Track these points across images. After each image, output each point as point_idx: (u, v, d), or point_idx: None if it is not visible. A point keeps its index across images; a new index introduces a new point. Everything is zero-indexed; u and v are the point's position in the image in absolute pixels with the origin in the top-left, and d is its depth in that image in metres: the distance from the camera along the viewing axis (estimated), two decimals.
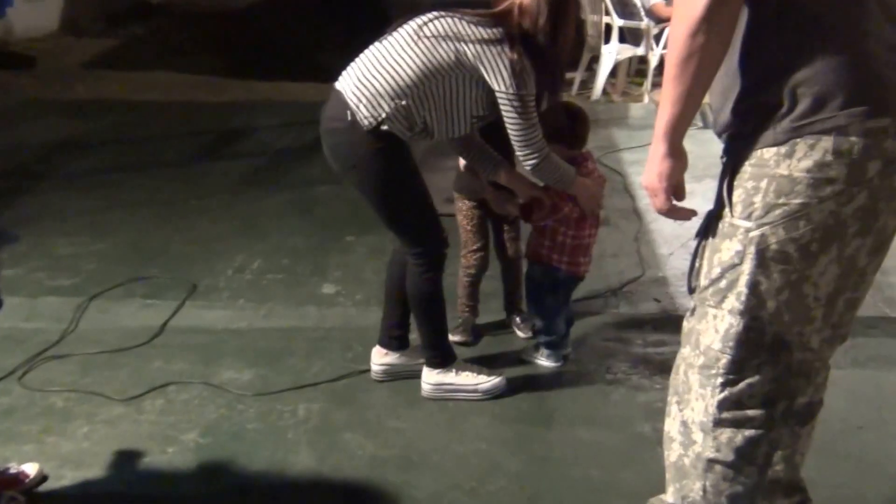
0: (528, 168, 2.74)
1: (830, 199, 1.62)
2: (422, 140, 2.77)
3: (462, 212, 3.29)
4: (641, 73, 7.78)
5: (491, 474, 2.63)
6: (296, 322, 3.55)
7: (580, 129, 3.03)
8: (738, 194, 1.71)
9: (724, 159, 1.78)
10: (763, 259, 1.69)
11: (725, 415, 1.82)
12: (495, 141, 2.93)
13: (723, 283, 1.76)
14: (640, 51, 7.26)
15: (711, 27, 1.57)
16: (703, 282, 1.82)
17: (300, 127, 6.35)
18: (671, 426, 1.95)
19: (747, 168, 1.69)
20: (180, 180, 5.18)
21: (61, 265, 4.01)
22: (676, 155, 1.72)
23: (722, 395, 1.81)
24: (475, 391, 2.98)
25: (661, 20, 7.03)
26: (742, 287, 1.72)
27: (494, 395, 2.99)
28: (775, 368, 1.79)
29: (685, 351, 1.89)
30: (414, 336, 3.12)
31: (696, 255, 1.86)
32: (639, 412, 2.90)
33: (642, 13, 7.24)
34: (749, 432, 1.83)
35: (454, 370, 3.01)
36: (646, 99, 7.18)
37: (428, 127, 2.69)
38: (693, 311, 1.87)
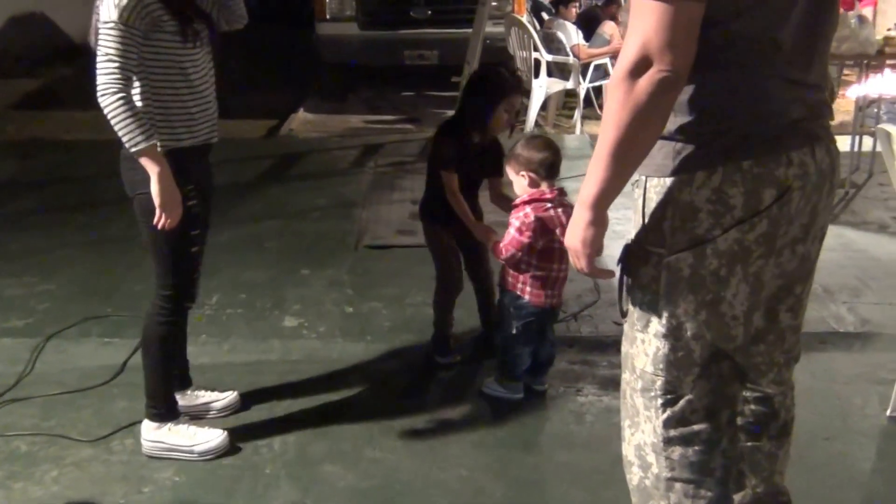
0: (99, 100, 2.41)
1: (733, 229, 1.64)
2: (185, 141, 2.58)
3: (431, 236, 3.30)
4: (568, 106, 7.93)
5: (476, 500, 2.58)
6: (260, 356, 3.45)
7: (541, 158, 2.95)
8: (647, 220, 1.72)
9: (634, 185, 1.77)
10: (677, 283, 1.70)
11: (673, 433, 1.81)
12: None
13: (644, 308, 1.76)
14: (569, 85, 7.39)
15: (657, 112, 1.55)
16: (630, 307, 1.81)
17: (236, 163, 6.24)
18: (627, 450, 1.92)
19: (653, 195, 1.69)
20: (124, 218, 4.95)
21: (12, 306, 3.82)
22: (600, 222, 1.69)
23: (665, 415, 1.80)
24: (191, 452, 2.74)
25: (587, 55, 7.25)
26: (662, 310, 1.73)
27: (214, 455, 2.74)
28: (709, 381, 1.78)
29: (626, 375, 1.88)
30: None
31: (621, 280, 1.83)
32: (615, 432, 2.83)
33: (567, 49, 7.40)
34: (699, 447, 1.82)
35: (168, 426, 2.76)
36: (577, 130, 7.29)
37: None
38: (626, 335, 1.86)
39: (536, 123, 7.37)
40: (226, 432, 2.81)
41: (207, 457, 2.75)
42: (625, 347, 1.87)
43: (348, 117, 8.07)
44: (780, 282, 1.81)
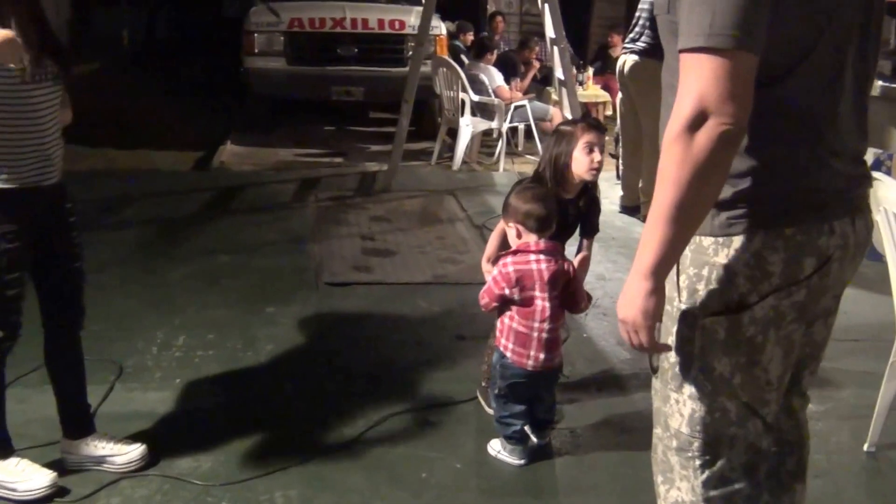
0: None
1: (770, 296, 1.55)
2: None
3: None
4: (485, 144, 7.88)
5: None
6: (240, 400, 3.16)
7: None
8: (682, 279, 1.60)
9: None
10: (712, 345, 1.59)
11: (713, 493, 1.69)
12: None
13: (678, 369, 1.64)
14: (493, 124, 7.33)
15: (719, 168, 1.41)
16: (663, 364, 1.68)
17: (170, 196, 5.92)
18: None
19: (688, 253, 1.57)
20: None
21: None
22: (661, 292, 1.51)
23: (704, 475, 1.68)
24: (13, 490, 2.47)
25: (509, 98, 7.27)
26: (697, 372, 1.62)
27: (35, 498, 2.46)
28: (746, 439, 1.69)
29: (658, 431, 1.75)
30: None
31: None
32: (621, 477, 2.75)
33: (490, 90, 7.36)
34: None
35: None
36: (501, 168, 7.22)
37: None
38: (656, 390, 1.74)
39: (463, 161, 7.28)
40: (54, 474, 2.52)
41: (28, 498, 2.45)
42: (656, 403, 1.73)
43: (276, 150, 7.78)
44: (808, 350, 1.73)
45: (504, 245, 2.85)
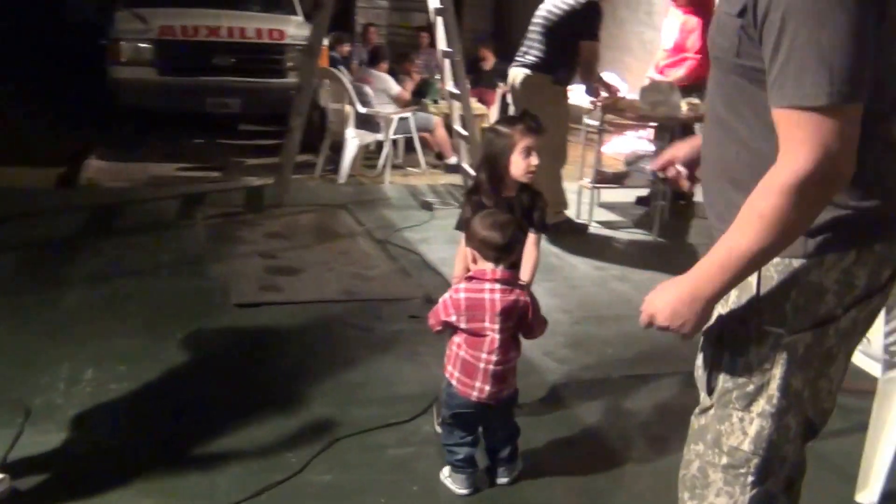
0: None
1: (854, 308, 1.62)
2: None
3: None
4: (366, 157, 7.78)
5: None
6: (166, 435, 2.92)
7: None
8: (764, 300, 1.62)
9: None
10: (792, 363, 1.63)
11: None
12: None
13: (750, 388, 1.66)
14: (380, 136, 7.25)
15: (811, 221, 1.48)
16: (726, 384, 1.70)
17: (48, 217, 5.50)
18: None
19: (773, 274, 1.60)
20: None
21: None
22: (708, 317, 1.60)
23: (753, 492, 1.71)
24: None
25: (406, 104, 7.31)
26: (773, 391, 1.65)
27: None
28: (796, 453, 1.74)
29: (699, 448, 1.76)
30: None
31: (715, 357, 1.71)
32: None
33: (378, 99, 7.30)
34: None
35: None
36: (387, 180, 7.15)
37: None
38: (706, 409, 1.75)
39: (350, 174, 7.16)
40: None
41: None
42: (705, 420, 1.74)
43: (146, 165, 7.34)
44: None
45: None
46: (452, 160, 7.69)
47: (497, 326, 2.51)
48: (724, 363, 1.68)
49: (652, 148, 7.74)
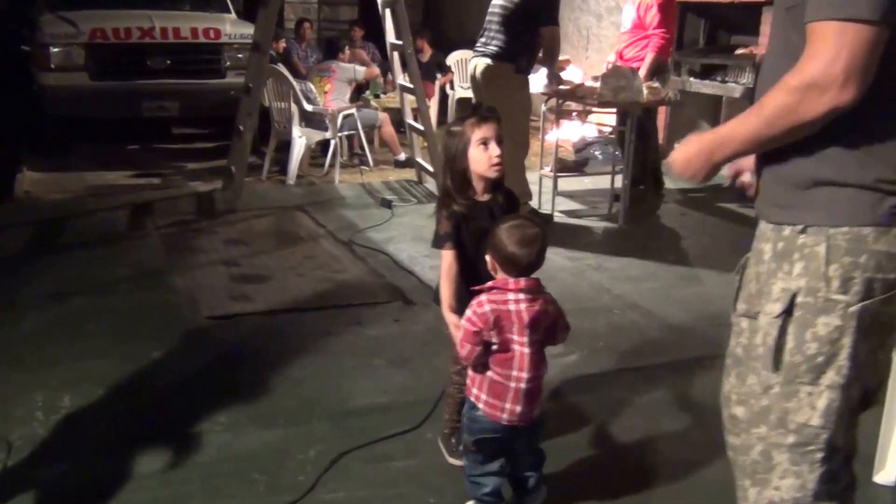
0: None
1: None
2: None
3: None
4: (313, 156, 7.62)
5: None
6: (161, 464, 2.77)
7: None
8: (833, 269, 1.62)
9: (798, 234, 1.67)
10: (862, 331, 1.64)
11: (826, 486, 1.71)
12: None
13: (820, 359, 1.65)
14: (327, 135, 7.10)
15: (811, 130, 1.56)
16: (794, 358, 1.68)
17: None
18: None
19: (842, 243, 1.61)
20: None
21: None
22: (715, 171, 1.78)
23: (822, 468, 1.71)
24: None
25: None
26: (843, 360, 1.65)
27: None
28: (854, 427, 1.74)
29: (760, 430, 1.74)
30: None
31: (783, 333, 1.68)
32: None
33: (318, 101, 7.15)
34: (839, 500, 1.75)
35: None
36: (336, 179, 6.99)
37: None
38: (767, 389, 1.72)
39: (299, 176, 6.98)
40: None
41: None
42: (766, 402, 1.71)
43: (82, 174, 7.03)
44: None
45: (459, 284, 2.53)
46: (401, 157, 7.60)
47: (526, 339, 2.27)
48: (792, 336, 1.67)
49: (596, 133, 7.81)
